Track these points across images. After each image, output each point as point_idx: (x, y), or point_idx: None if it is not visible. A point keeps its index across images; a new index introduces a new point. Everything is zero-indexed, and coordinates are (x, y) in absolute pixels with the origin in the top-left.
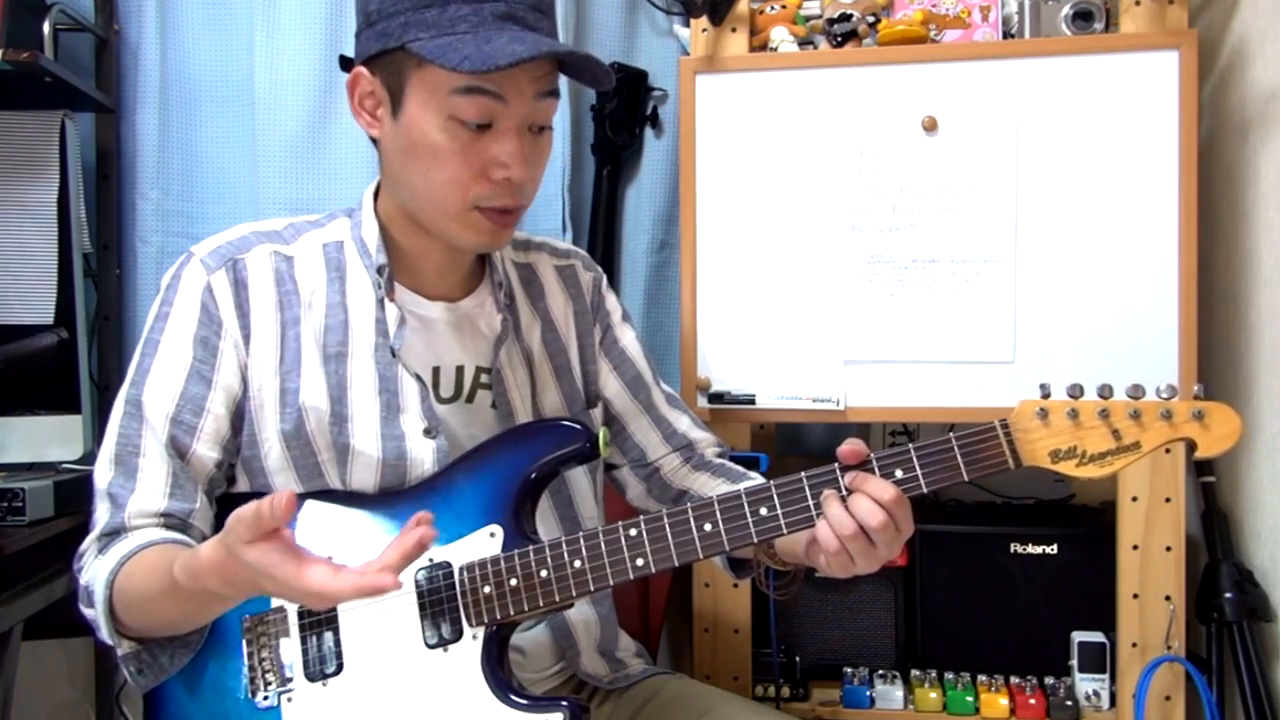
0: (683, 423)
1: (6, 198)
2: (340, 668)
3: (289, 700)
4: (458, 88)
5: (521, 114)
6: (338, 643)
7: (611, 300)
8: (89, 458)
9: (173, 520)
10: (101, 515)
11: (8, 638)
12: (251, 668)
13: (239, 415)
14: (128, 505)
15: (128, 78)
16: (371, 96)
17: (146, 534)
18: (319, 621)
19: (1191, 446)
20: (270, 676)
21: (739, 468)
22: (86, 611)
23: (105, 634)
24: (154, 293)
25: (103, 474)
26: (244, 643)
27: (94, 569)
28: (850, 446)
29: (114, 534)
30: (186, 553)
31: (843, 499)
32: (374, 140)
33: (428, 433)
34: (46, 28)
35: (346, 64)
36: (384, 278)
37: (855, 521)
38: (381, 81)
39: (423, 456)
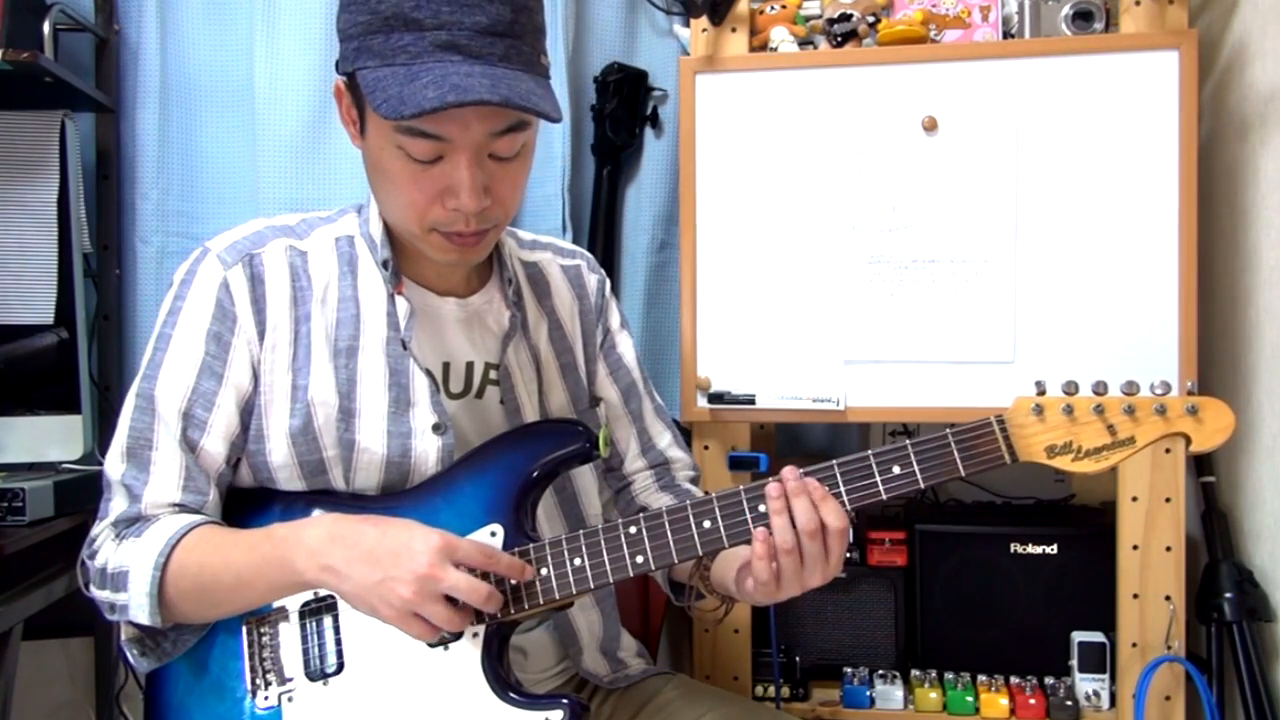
0: (664, 439)
1: (6, 198)
2: (341, 667)
3: (289, 700)
4: (397, 126)
5: (472, 147)
6: (338, 642)
7: (614, 305)
8: (89, 458)
9: (187, 511)
10: (117, 504)
11: (8, 638)
12: (252, 668)
13: (248, 411)
14: (144, 495)
15: (128, 78)
16: (353, 109)
17: (184, 515)
18: (320, 621)
19: (1186, 441)
20: (271, 676)
21: (699, 493)
22: (100, 594)
23: (132, 611)
24: (154, 292)
25: (115, 466)
26: (244, 643)
27: (124, 550)
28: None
29: (132, 521)
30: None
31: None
32: None
33: (437, 428)
34: (46, 28)
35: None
36: (389, 271)
37: (794, 535)
38: (352, 99)
39: (428, 454)
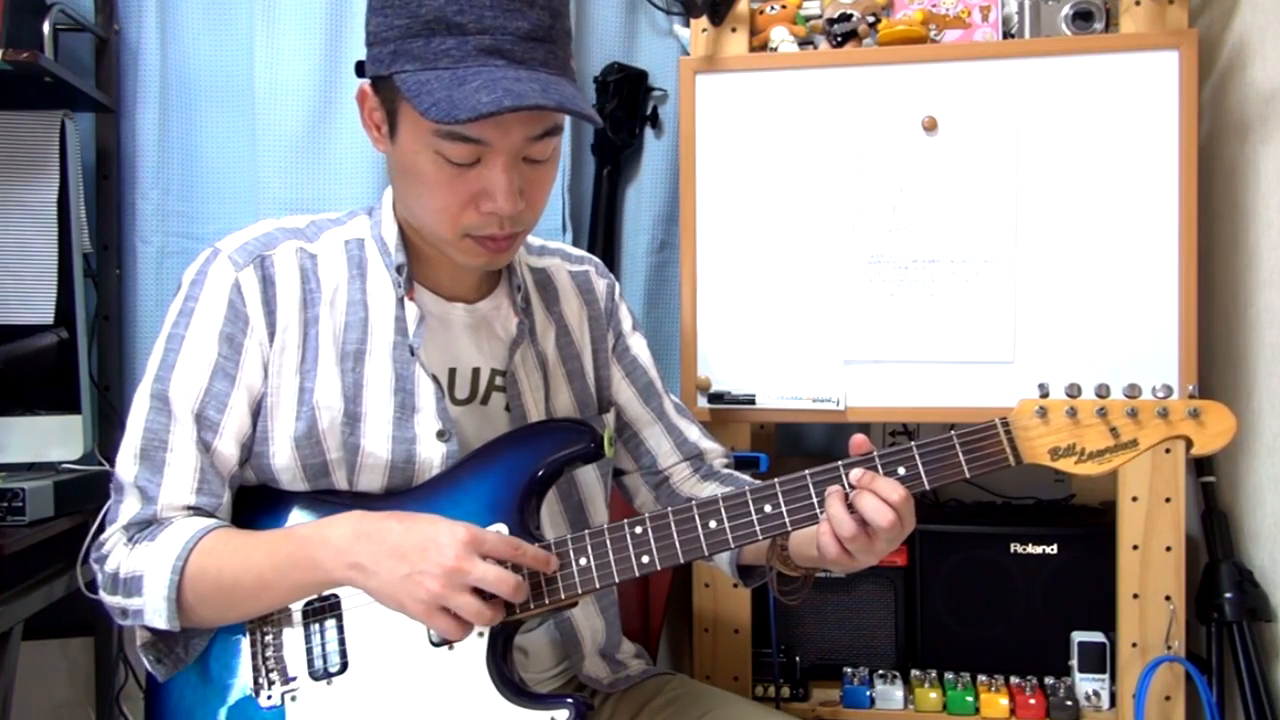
0: (693, 432)
1: (6, 198)
2: (345, 666)
3: (293, 699)
4: (438, 130)
5: (510, 151)
6: (342, 641)
7: (625, 308)
8: (89, 458)
9: (201, 514)
10: (129, 506)
11: (8, 638)
12: (256, 667)
13: (257, 412)
14: (159, 498)
15: (128, 78)
16: (377, 113)
17: (198, 519)
18: (323, 620)
19: (1188, 444)
20: (274, 676)
21: (746, 477)
22: (110, 599)
23: (148, 615)
24: (154, 293)
25: (127, 468)
26: (248, 642)
27: (137, 555)
28: (861, 437)
29: (145, 524)
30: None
31: (845, 496)
32: None
33: (441, 435)
34: (46, 28)
35: (361, 70)
36: (403, 277)
37: (853, 522)
38: (380, 103)
39: (431, 460)
